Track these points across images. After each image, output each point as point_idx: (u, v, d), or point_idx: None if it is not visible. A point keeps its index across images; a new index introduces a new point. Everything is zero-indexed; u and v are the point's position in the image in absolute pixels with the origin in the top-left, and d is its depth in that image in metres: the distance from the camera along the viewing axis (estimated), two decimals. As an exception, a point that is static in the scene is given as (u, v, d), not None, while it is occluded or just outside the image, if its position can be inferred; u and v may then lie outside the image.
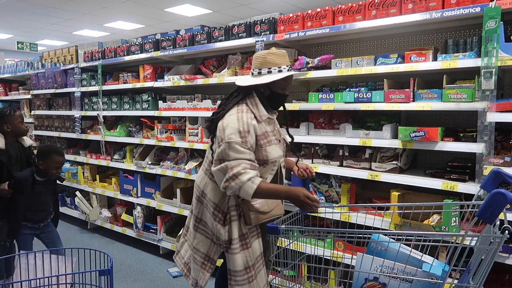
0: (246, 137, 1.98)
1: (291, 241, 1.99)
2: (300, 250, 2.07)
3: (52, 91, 5.65)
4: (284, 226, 1.84)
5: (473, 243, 1.51)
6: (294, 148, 3.32)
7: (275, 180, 2.19)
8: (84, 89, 5.16)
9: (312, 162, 3.15)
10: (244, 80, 2.18)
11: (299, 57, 3.26)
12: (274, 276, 2.32)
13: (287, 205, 3.15)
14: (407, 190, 2.77)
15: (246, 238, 2.11)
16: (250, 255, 2.11)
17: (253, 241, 2.14)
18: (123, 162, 4.72)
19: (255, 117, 2.06)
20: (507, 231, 1.31)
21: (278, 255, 1.93)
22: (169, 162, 4.23)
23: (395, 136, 2.74)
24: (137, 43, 4.60)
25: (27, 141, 3.32)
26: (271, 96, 2.15)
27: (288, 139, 2.34)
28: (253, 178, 1.93)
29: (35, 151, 3.37)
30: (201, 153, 4.14)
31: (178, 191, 4.01)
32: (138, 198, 4.49)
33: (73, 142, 5.67)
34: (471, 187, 2.39)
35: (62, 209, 5.66)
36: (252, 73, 2.15)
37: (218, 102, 3.68)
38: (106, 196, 5.19)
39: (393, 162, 2.78)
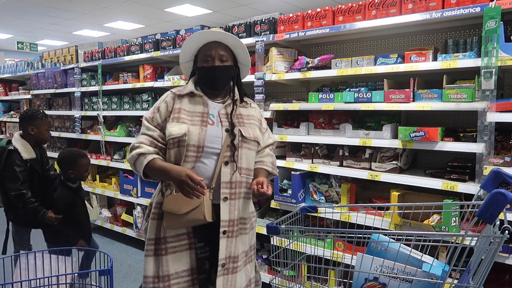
0: (155, 114, 1.90)
1: (291, 241, 1.99)
2: (300, 250, 2.08)
3: (52, 91, 5.65)
4: (284, 226, 1.84)
5: (473, 243, 1.51)
6: (293, 148, 3.32)
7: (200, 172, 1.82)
8: (84, 89, 5.16)
9: (312, 162, 3.15)
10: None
11: (299, 57, 3.26)
12: (274, 276, 2.32)
13: (287, 205, 3.16)
14: (407, 190, 2.77)
15: (163, 243, 1.86)
16: (163, 265, 1.84)
17: (175, 251, 1.86)
18: (123, 162, 4.71)
19: (174, 93, 1.94)
20: (507, 231, 1.31)
21: (278, 255, 1.93)
22: (169, 162, 4.23)
23: (395, 136, 2.74)
24: (137, 43, 4.60)
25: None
26: (198, 73, 1.97)
27: (255, 135, 1.97)
28: (146, 154, 1.81)
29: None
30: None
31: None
32: (138, 198, 4.49)
33: (73, 142, 5.67)
34: (471, 187, 2.39)
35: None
36: None
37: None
38: (106, 196, 5.19)
39: (393, 162, 2.78)
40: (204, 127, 1.85)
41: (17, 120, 6.61)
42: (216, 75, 1.92)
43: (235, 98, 1.98)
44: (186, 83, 2.01)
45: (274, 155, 2.16)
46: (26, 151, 2.92)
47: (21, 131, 3.06)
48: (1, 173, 2.93)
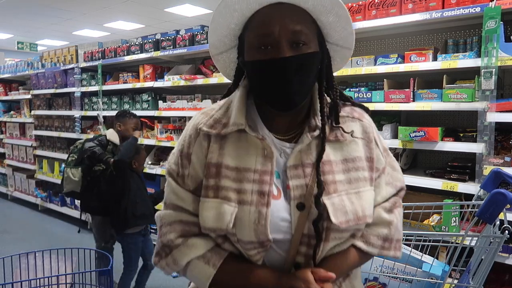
0: (185, 169, 1.00)
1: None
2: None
3: (52, 91, 5.65)
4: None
5: (473, 243, 1.51)
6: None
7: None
8: (84, 89, 5.16)
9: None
10: None
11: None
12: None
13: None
14: (407, 190, 2.76)
15: None
16: None
17: None
18: (123, 162, 4.71)
19: (209, 131, 0.99)
20: (507, 231, 1.31)
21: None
22: (169, 162, 4.23)
23: (395, 136, 2.74)
24: (137, 43, 4.60)
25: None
26: (248, 75, 1.00)
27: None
28: (203, 257, 0.96)
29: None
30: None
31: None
32: (138, 198, 4.48)
33: (73, 142, 5.64)
34: (471, 187, 2.39)
35: (62, 209, 5.66)
36: None
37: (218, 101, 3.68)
38: (106, 196, 5.18)
39: (393, 162, 2.78)
40: (264, 207, 0.92)
41: (17, 120, 6.63)
42: (288, 77, 0.91)
43: (321, 120, 0.98)
44: (225, 98, 1.08)
45: (398, 212, 1.07)
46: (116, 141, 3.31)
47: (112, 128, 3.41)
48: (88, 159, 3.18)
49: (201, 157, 0.98)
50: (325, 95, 1.01)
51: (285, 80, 0.91)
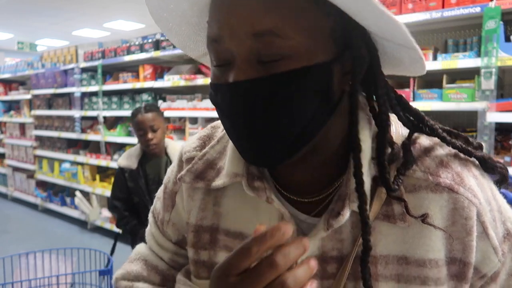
0: (162, 203, 0.74)
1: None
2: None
3: (52, 91, 5.65)
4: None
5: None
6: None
7: None
8: (84, 89, 5.16)
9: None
10: None
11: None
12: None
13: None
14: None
15: None
16: None
17: None
18: (123, 162, 4.71)
19: (195, 170, 0.65)
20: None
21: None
22: (169, 162, 4.24)
23: (395, 136, 2.74)
24: (137, 43, 4.60)
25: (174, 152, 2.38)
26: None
27: None
28: None
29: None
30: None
31: (178, 191, 4.01)
32: (138, 198, 4.48)
33: (73, 142, 5.67)
34: (471, 187, 2.39)
35: (62, 209, 5.66)
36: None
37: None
38: (106, 196, 5.18)
39: (393, 162, 2.78)
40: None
41: (17, 120, 6.63)
42: (242, 118, 0.51)
43: (363, 186, 0.52)
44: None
45: None
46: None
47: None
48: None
49: (189, 203, 0.67)
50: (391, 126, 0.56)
51: (240, 123, 0.51)
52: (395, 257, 0.54)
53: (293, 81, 0.47)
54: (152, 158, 2.34)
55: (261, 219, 0.59)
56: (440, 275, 0.53)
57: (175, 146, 2.39)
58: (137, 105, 4.48)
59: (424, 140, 0.58)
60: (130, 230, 2.35)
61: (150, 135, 2.24)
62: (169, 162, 2.31)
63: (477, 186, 0.54)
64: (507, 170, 0.58)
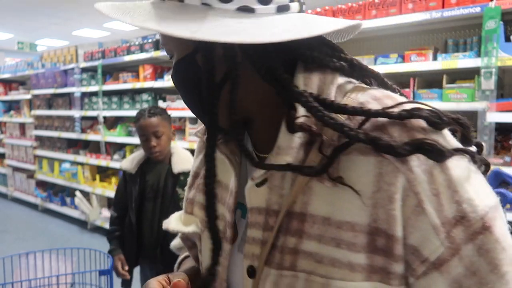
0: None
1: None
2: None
3: (52, 91, 5.65)
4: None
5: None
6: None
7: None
8: (84, 89, 5.16)
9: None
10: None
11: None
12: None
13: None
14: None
15: None
16: None
17: None
18: (123, 162, 4.72)
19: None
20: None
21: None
22: (169, 162, 4.23)
23: (395, 136, 2.74)
24: (137, 43, 4.60)
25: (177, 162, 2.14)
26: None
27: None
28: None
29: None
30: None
31: (178, 191, 4.01)
32: (138, 198, 4.48)
33: (73, 142, 5.67)
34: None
35: (62, 209, 5.67)
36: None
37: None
38: (106, 196, 5.19)
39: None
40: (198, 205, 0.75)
41: (17, 120, 6.63)
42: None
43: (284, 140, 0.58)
44: None
45: None
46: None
47: None
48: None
49: (196, 153, 0.83)
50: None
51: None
52: (322, 218, 0.55)
53: (177, 67, 0.63)
54: (156, 164, 2.16)
55: (228, 170, 0.68)
56: (356, 241, 0.52)
57: (181, 158, 2.15)
58: (137, 105, 4.49)
59: (370, 100, 0.57)
60: (114, 244, 2.19)
61: (153, 142, 2.03)
62: (170, 171, 2.10)
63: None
64: (467, 127, 0.58)
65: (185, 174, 2.05)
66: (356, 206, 0.52)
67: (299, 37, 0.53)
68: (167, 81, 4.15)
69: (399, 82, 2.89)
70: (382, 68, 2.73)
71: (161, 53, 4.17)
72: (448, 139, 0.53)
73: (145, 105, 4.42)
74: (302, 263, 0.55)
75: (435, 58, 2.61)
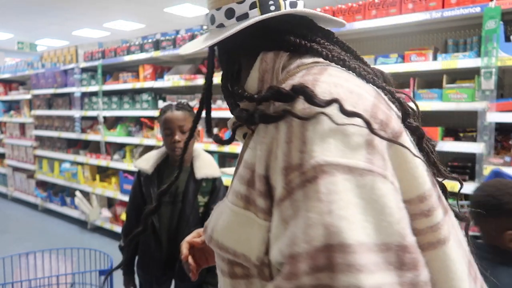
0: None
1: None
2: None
3: (52, 91, 5.65)
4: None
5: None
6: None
7: None
8: (84, 89, 5.16)
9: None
10: None
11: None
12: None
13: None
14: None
15: None
16: None
17: None
18: (123, 162, 4.71)
19: None
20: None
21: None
22: (169, 162, 4.23)
23: (395, 136, 2.74)
24: (137, 43, 4.60)
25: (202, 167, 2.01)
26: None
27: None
28: None
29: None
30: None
31: (178, 191, 4.00)
32: (138, 198, 4.48)
33: (73, 142, 5.67)
34: (471, 187, 2.38)
35: (62, 209, 5.67)
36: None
37: (218, 102, 3.68)
38: (106, 196, 5.19)
39: (393, 162, 2.78)
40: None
41: (17, 120, 6.62)
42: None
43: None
44: None
45: None
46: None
47: None
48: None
49: None
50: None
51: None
52: (244, 161, 0.68)
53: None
54: (175, 167, 1.97)
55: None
56: (248, 177, 0.65)
57: (205, 163, 2.00)
58: (137, 105, 4.49)
59: (296, 79, 0.67)
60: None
61: (177, 137, 1.89)
62: (192, 175, 1.95)
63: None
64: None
65: (208, 180, 1.97)
66: (255, 149, 0.65)
67: (223, 37, 0.75)
68: (167, 81, 4.14)
69: (399, 82, 2.89)
70: (382, 68, 2.73)
71: (161, 53, 4.17)
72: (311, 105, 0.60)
73: (145, 105, 4.43)
74: (229, 195, 0.71)
75: (435, 58, 2.61)
